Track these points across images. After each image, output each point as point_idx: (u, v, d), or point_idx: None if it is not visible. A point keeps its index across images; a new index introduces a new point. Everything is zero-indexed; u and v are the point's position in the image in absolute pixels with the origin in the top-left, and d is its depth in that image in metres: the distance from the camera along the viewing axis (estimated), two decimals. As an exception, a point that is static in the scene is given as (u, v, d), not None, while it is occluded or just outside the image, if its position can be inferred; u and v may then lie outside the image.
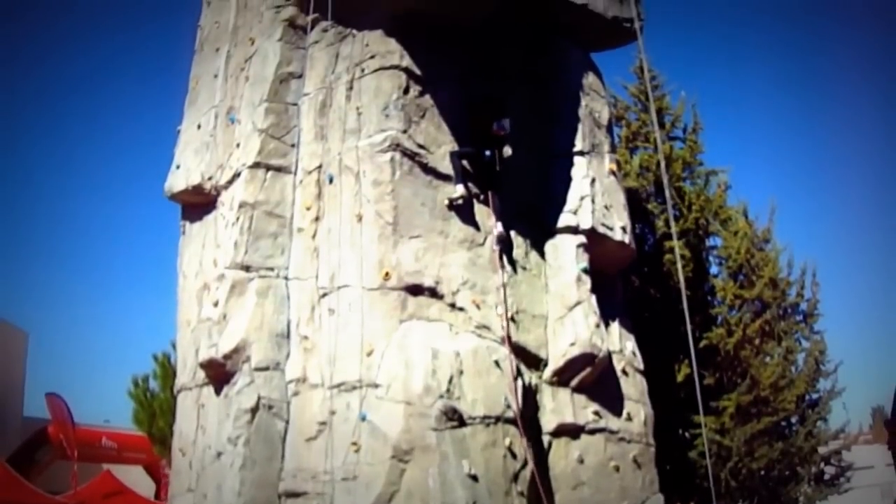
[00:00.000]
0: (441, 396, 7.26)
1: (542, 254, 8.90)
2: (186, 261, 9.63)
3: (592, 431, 8.42)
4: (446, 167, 8.42)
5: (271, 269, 8.35)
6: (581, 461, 8.23)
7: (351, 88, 8.53)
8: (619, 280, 9.97)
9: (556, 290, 8.68)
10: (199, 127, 9.69)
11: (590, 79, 9.87)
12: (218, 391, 8.18)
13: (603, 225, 9.08)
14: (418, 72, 8.51)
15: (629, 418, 8.76)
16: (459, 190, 8.30)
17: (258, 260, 8.33)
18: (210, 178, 9.22)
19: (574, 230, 8.90)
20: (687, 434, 12.24)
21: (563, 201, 9.02)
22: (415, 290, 7.84)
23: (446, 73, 8.70)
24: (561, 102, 9.49)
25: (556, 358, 8.37)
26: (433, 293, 7.92)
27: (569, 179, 9.14)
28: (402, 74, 8.43)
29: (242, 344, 7.97)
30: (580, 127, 9.38)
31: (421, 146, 8.35)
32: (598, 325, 8.49)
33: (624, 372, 8.97)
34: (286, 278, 8.36)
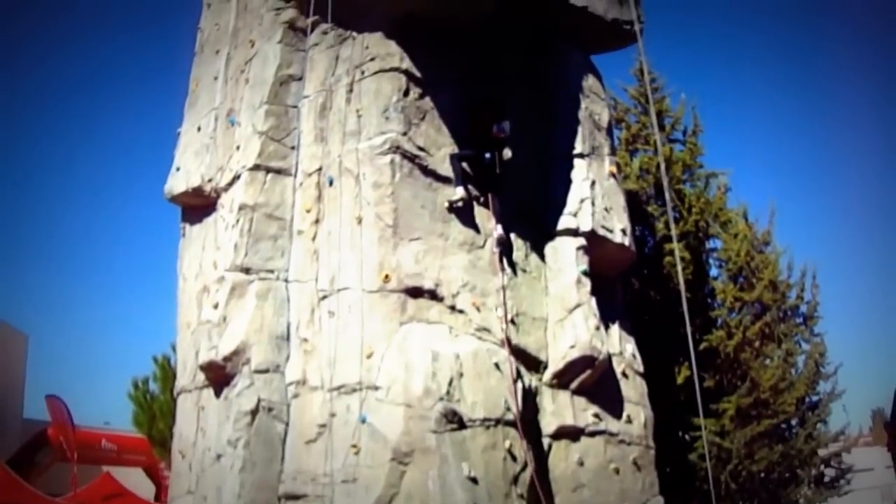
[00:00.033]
0: (441, 399, 7.26)
1: (542, 256, 8.90)
2: (186, 263, 9.63)
3: (592, 434, 8.41)
4: (446, 169, 8.42)
5: (271, 271, 8.35)
6: (581, 463, 8.23)
7: (351, 91, 8.53)
8: (619, 282, 9.98)
9: (556, 292, 8.68)
10: (199, 129, 9.70)
11: (590, 81, 9.88)
12: (218, 393, 8.17)
13: (603, 227, 9.09)
14: (418, 74, 8.51)
15: (629, 421, 8.76)
16: (459, 192, 8.30)
17: (258, 262, 8.33)
18: (210, 181, 9.23)
19: (574, 232, 8.91)
20: (687, 436, 12.25)
21: (563, 204, 9.03)
22: (415, 292, 7.84)
23: (446, 75, 8.71)
24: (561, 105, 9.50)
25: (556, 360, 8.37)
26: (433, 295, 7.92)
27: (569, 182, 9.14)
28: (402, 77, 8.43)
29: (242, 346, 7.97)
30: (580, 129, 9.39)
31: (421, 148, 8.35)
32: (598, 328, 8.50)
33: (624, 374, 8.97)
34: (286, 280, 8.36)
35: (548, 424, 8.22)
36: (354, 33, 8.76)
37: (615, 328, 9.19)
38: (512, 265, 8.55)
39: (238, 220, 8.44)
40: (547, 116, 9.44)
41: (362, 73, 8.52)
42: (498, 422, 7.48)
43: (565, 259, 8.78)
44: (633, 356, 9.24)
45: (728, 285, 13.34)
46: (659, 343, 11.36)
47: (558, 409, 8.31)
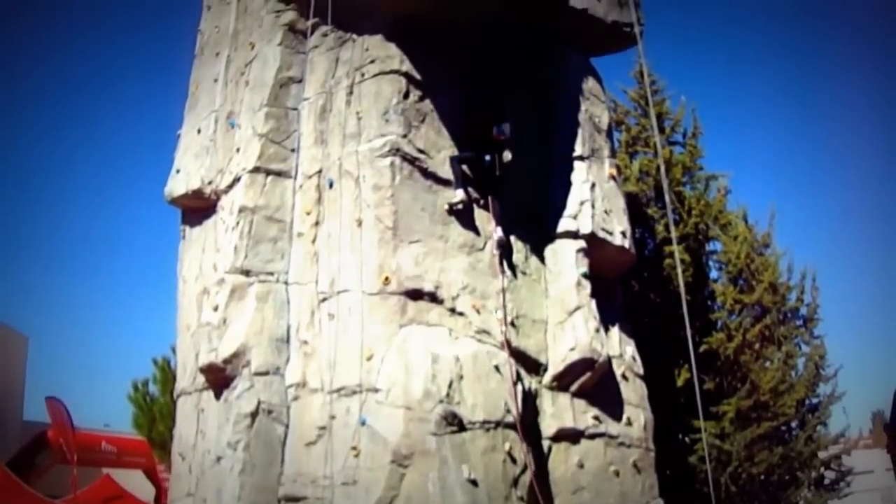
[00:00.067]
0: (441, 401, 7.26)
1: (541, 258, 8.90)
2: (186, 265, 9.63)
3: (592, 436, 8.41)
4: (446, 172, 8.42)
5: (271, 273, 8.35)
6: (581, 466, 8.23)
7: (351, 93, 8.53)
8: (619, 285, 9.98)
9: (555, 294, 8.67)
10: (199, 131, 9.70)
11: (589, 83, 9.88)
12: (218, 396, 8.17)
13: (603, 230, 9.09)
14: (418, 76, 8.52)
15: (629, 423, 8.76)
16: (459, 195, 8.30)
17: (258, 264, 8.33)
18: (210, 183, 9.23)
19: (574, 235, 8.91)
20: (687, 439, 12.24)
21: (562, 206, 9.03)
22: (415, 294, 7.84)
23: (446, 77, 8.71)
24: (561, 107, 9.51)
25: (555, 363, 8.37)
26: (433, 298, 7.92)
27: (569, 184, 9.14)
28: (402, 79, 8.43)
29: (242, 348, 7.96)
30: (580, 132, 9.39)
31: (421, 151, 8.35)
32: (597, 330, 8.49)
33: (624, 377, 8.97)
34: (286, 283, 8.35)
35: (548, 427, 8.22)
36: (354, 35, 8.76)
37: (615, 330, 9.19)
38: (512, 267, 8.55)
39: (238, 223, 8.44)
40: (547, 119, 9.44)
41: (362, 75, 8.52)
42: (498, 424, 7.48)
43: (565, 261, 8.78)
44: (633, 358, 9.24)
45: (728, 287, 13.35)
46: (659, 345, 11.37)
47: (558, 411, 8.30)
